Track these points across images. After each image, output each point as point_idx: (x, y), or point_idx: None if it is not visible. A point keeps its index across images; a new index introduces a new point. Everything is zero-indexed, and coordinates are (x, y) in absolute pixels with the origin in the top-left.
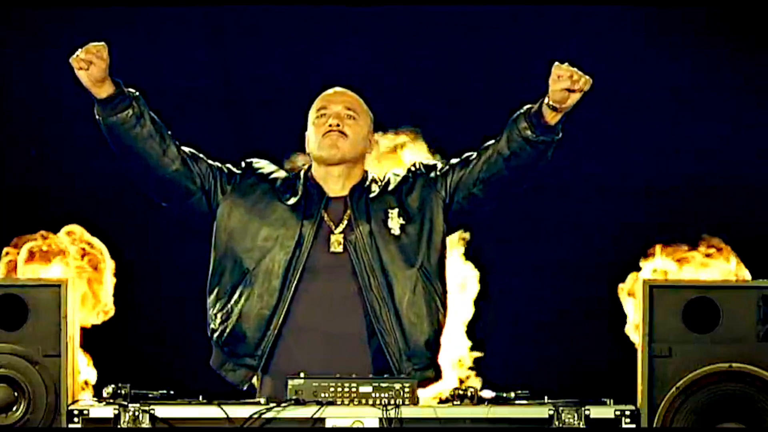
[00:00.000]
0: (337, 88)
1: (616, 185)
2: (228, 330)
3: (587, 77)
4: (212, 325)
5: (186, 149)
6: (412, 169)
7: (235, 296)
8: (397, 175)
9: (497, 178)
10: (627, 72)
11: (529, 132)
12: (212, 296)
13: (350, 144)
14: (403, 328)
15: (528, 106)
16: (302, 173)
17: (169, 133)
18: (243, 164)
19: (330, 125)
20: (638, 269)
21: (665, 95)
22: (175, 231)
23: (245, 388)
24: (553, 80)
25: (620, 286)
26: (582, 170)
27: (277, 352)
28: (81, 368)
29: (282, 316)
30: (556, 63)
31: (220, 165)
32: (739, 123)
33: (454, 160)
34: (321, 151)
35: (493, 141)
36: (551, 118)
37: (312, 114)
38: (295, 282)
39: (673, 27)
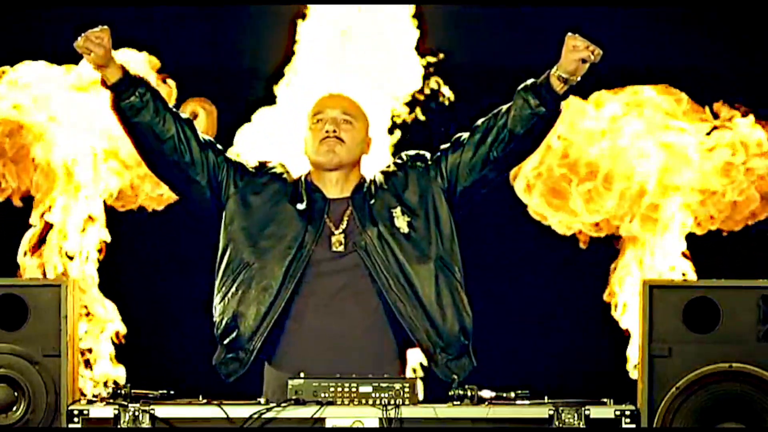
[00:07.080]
0: (334, 92)
1: None
2: (225, 322)
3: (599, 49)
4: (215, 318)
5: (205, 137)
6: (399, 162)
7: (233, 289)
8: (385, 172)
9: (509, 156)
10: None
11: (542, 108)
12: (216, 289)
13: (347, 149)
14: (433, 321)
15: (531, 81)
16: (302, 178)
17: (185, 117)
18: (257, 163)
19: (327, 131)
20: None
21: None
22: (176, 231)
23: (231, 380)
24: (569, 50)
25: None
26: None
27: (281, 350)
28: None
29: (277, 314)
30: (570, 33)
31: (235, 159)
32: None
33: (443, 146)
34: (318, 156)
35: (486, 120)
36: (561, 89)
37: (309, 119)
38: (294, 282)
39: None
